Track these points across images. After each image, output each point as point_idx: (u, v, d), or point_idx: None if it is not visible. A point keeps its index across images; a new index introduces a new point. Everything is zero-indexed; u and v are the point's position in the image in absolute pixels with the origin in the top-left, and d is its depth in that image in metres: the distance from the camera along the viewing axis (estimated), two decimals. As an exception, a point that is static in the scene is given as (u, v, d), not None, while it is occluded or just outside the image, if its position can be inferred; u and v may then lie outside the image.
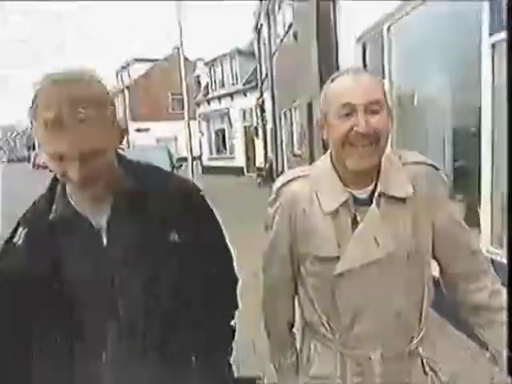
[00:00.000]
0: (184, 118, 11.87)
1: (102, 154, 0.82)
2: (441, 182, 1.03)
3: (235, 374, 1.11)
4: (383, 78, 4.21)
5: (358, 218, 0.98)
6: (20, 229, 0.89)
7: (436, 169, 1.02)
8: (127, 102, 27.20)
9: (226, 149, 19.17)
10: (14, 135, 71.63)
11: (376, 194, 0.97)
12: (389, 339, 1.01)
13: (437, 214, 1.00)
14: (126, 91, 27.38)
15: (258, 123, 15.42)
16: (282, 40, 9.96)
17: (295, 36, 8.10)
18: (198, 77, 20.96)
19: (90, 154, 0.79)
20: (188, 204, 0.95)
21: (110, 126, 0.83)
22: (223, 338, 1.05)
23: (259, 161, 15.45)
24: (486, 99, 2.77)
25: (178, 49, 12.26)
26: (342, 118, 0.92)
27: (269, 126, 13.82)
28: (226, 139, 19.01)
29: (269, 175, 12.99)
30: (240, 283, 1.14)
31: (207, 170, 19.31)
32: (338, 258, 0.98)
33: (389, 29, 4.26)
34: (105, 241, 0.88)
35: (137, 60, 29.41)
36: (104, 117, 0.81)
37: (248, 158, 17.32)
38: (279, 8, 10.35)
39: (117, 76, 32.51)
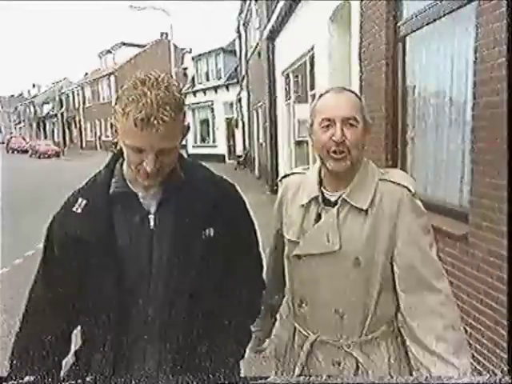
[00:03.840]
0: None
1: (174, 151, 1.00)
2: (410, 205, 1.16)
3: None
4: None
5: (322, 215, 1.22)
6: (80, 199, 1.08)
7: (411, 192, 1.17)
8: (112, 88, 28.20)
9: (209, 138, 21.64)
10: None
11: (340, 199, 1.20)
12: (326, 330, 1.22)
13: (398, 233, 1.16)
14: (112, 77, 28.42)
15: (238, 116, 18.07)
16: (253, 51, 12.66)
17: (259, 54, 11.04)
18: (185, 69, 22.47)
19: (166, 150, 0.97)
20: (225, 203, 1.10)
21: (182, 125, 0.99)
22: (253, 310, 1.23)
23: (239, 149, 18.11)
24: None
25: (167, 34, 14.03)
26: (324, 129, 1.16)
27: (245, 119, 16.40)
28: (210, 129, 21.44)
29: (244, 162, 16.29)
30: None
31: (192, 157, 21.84)
32: (299, 243, 1.23)
33: (292, 72, 7.46)
34: (152, 222, 1.06)
35: (124, 44, 29.95)
36: (180, 118, 0.96)
37: (229, 147, 19.92)
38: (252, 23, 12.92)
39: (100, 58, 32.93)
